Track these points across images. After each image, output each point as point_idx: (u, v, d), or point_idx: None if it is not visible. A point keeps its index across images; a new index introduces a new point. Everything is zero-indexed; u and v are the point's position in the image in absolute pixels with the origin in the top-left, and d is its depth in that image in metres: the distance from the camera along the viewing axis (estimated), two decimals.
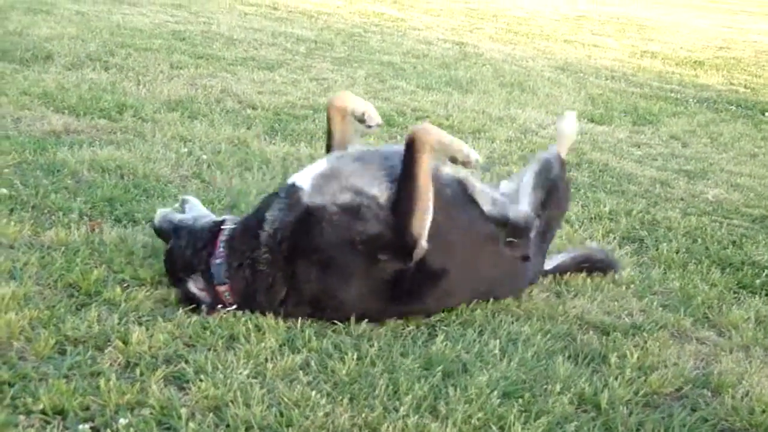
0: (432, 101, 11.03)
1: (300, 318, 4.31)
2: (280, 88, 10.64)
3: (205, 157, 7.11)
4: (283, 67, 11.90)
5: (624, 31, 24.26)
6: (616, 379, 4.15)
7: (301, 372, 3.88)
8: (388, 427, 3.50)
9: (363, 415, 3.58)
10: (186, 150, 7.21)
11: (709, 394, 4.17)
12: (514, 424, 3.62)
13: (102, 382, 3.55)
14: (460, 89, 12.17)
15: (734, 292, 5.54)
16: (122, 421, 3.32)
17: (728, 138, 10.84)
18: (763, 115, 12.76)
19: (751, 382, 4.27)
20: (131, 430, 3.30)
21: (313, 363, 3.99)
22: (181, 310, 4.30)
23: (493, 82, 13.07)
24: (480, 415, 3.70)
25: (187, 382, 3.68)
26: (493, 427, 3.64)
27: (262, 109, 9.27)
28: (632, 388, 4.08)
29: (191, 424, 3.33)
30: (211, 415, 3.44)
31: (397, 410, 3.65)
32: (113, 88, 9.04)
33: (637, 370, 4.33)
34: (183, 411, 3.40)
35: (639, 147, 9.94)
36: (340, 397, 3.68)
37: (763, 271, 5.85)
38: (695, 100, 13.49)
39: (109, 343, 3.92)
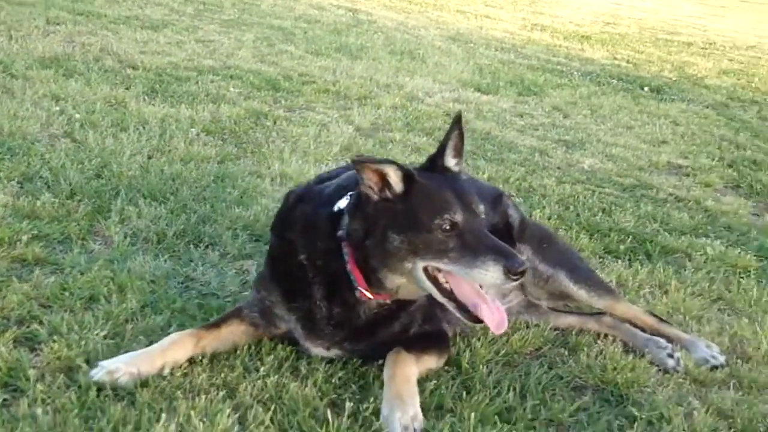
0: (320, 67, 10.97)
1: None
2: (163, 48, 10.40)
3: (78, 116, 6.90)
4: (168, 28, 11.63)
5: (516, 3, 24.63)
6: (479, 340, 4.22)
7: (161, 333, 3.81)
8: (246, 386, 3.48)
9: (222, 374, 3.55)
10: (58, 108, 6.99)
11: (566, 353, 4.29)
12: (374, 383, 3.65)
13: None
14: (349, 56, 12.13)
15: (600, 257, 5.71)
16: None
17: (608, 110, 11.13)
18: (643, 89, 13.14)
19: (606, 341, 4.42)
20: None
21: (175, 324, 3.93)
22: (38, 271, 4.17)
23: (384, 49, 13.08)
24: (341, 374, 3.72)
25: (39, 343, 3.57)
26: (353, 386, 3.66)
27: (144, 70, 9.05)
28: (494, 348, 4.15)
29: (39, 386, 3.23)
30: (62, 376, 3.34)
31: (257, 370, 3.62)
32: None
33: None
34: (32, 372, 3.30)
35: (522, 117, 10.11)
36: (200, 358, 3.63)
37: (628, 237, 6.04)
38: (580, 73, 13.79)
39: None
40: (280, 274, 3.77)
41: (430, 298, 3.62)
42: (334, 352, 3.77)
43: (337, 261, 3.57)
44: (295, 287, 3.70)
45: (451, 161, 3.64)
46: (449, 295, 3.43)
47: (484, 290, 3.48)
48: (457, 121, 3.63)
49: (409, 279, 3.47)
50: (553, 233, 5.04)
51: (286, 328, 3.80)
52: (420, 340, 3.79)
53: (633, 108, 11.58)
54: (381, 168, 3.39)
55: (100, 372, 3.34)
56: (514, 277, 3.26)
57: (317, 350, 3.77)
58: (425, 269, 3.40)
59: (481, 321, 3.42)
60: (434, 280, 3.42)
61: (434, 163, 3.65)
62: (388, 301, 3.65)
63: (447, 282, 3.42)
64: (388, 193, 3.42)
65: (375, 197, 3.43)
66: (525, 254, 4.52)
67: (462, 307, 3.43)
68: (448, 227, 3.34)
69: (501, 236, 4.42)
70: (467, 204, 3.44)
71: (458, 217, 3.36)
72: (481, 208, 3.51)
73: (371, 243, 3.44)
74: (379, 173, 3.40)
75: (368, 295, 3.56)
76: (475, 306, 3.41)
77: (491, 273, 3.26)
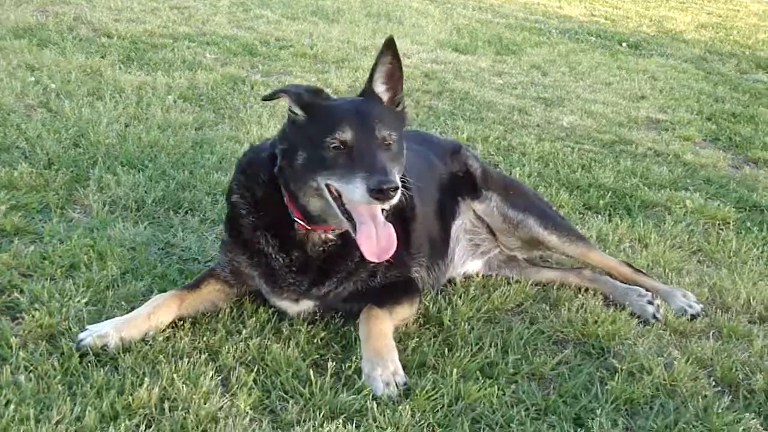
0: (297, 31, 10.89)
1: None
2: (138, 16, 10.29)
3: (53, 86, 6.84)
4: None
5: None
6: (460, 297, 4.25)
7: (142, 298, 3.81)
8: (229, 349, 3.49)
9: (204, 338, 3.56)
10: (33, 79, 6.92)
11: (548, 308, 4.31)
12: (356, 343, 3.66)
13: None
14: (326, 19, 12.04)
15: (580, 213, 5.73)
16: None
17: (586, 67, 11.11)
18: (621, 45, 13.12)
19: (586, 295, 4.44)
20: None
21: (156, 289, 3.93)
22: (17, 240, 4.15)
23: (360, 12, 12.98)
24: (323, 335, 3.73)
25: (21, 312, 3.57)
26: (336, 346, 3.68)
27: (118, 38, 8.96)
28: (475, 305, 4.18)
29: (22, 353, 3.23)
30: (44, 343, 3.34)
31: (239, 333, 3.64)
32: None
33: (481, 288, 4.45)
34: (14, 340, 3.29)
35: (500, 76, 10.09)
36: (182, 322, 3.64)
37: (608, 193, 6.06)
38: (558, 31, 13.76)
39: None
40: (237, 234, 3.80)
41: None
42: (305, 305, 3.80)
43: (273, 194, 3.66)
44: (251, 241, 3.74)
45: (380, 87, 3.66)
46: (347, 214, 3.45)
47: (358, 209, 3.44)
48: (387, 47, 3.61)
49: (324, 202, 3.50)
50: (518, 181, 5.07)
51: (256, 286, 3.85)
52: (390, 291, 3.83)
53: (611, 64, 11.57)
54: (279, 97, 3.57)
55: (90, 336, 3.35)
56: (375, 195, 3.22)
57: (287, 304, 3.80)
58: (329, 188, 3.44)
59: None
60: (337, 199, 3.46)
61: (364, 88, 3.70)
62: (330, 236, 3.69)
63: (350, 202, 3.44)
64: (299, 116, 3.53)
65: (292, 117, 3.56)
66: (493, 202, 4.57)
67: (355, 228, 3.45)
68: (338, 145, 3.39)
69: (463, 185, 4.49)
70: (362, 124, 3.44)
71: (347, 136, 3.39)
72: (384, 132, 3.47)
73: (285, 163, 3.56)
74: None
75: (304, 224, 3.61)
76: (361, 226, 3.41)
77: (358, 190, 3.27)
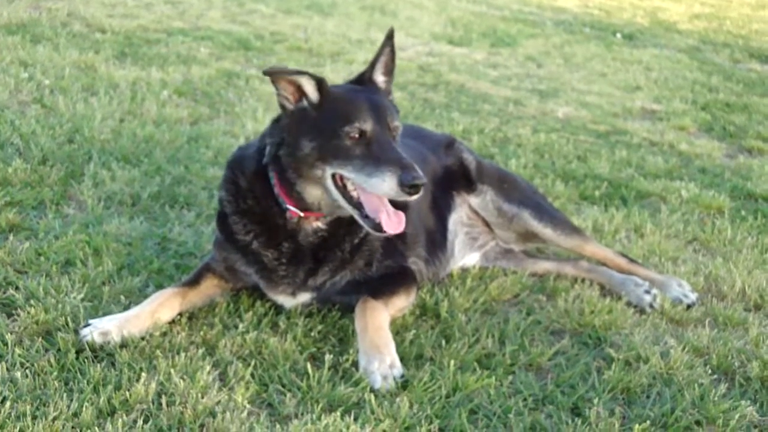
0: (291, 25, 10.89)
1: None
2: (132, 11, 10.29)
3: (47, 82, 6.83)
4: None
5: None
6: (457, 289, 4.25)
7: (139, 294, 3.82)
8: (226, 343, 3.49)
9: (201, 333, 3.56)
10: (26, 75, 6.91)
11: (544, 298, 4.32)
12: (353, 335, 3.66)
13: None
14: (320, 13, 12.04)
15: (576, 203, 5.73)
16: None
17: (581, 58, 11.12)
18: (615, 36, 13.13)
19: (583, 286, 4.45)
20: None
21: (152, 285, 3.93)
22: (12, 237, 4.14)
23: (355, 5, 12.98)
24: (320, 327, 3.73)
25: (17, 308, 3.56)
26: (333, 339, 3.68)
27: (112, 33, 8.96)
28: (472, 297, 4.18)
29: (18, 350, 3.22)
30: (40, 340, 3.33)
31: (236, 327, 3.64)
32: None
33: (477, 279, 4.45)
34: (9, 337, 3.29)
35: (495, 68, 10.09)
36: (179, 317, 3.63)
37: (603, 183, 6.07)
38: (552, 23, 13.77)
39: None
40: (227, 231, 3.79)
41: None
42: (302, 297, 3.79)
43: (263, 184, 3.65)
44: (239, 238, 3.73)
45: (379, 77, 3.69)
46: (356, 203, 3.46)
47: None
48: (389, 38, 3.66)
49: (323, 190, 3.51)
50: (513, 173, 5.06)
51: (252, 282, 3.84)
52: (385, 282, 3.83)
53: (606, 55, 11.57)
54: (295, 78, 3.46)
55: (93, 332, 3.34)
56: (408, 190, 3.26)
57: (284, 299, 3.80)
58: (333, 178, 3.45)
59: (383, 230, 3.44)
60: (342, 189, 3.46)
61: (363, 77, 3.71)
62: (322, 225, 3.68)
63: (355, 190, 3.46)
64: (304, 102, 3.49)
65: (291, 107, 3.51)
66: (488, 196, 4.57)
67: (367, 216, 3.45)
68: (356, 135, 3.39)
69: (457, 179, 4.50)
70: (379, 115, 3.46)
71: (367, 126, 3.40)
72: (396, 123, 3.51)
73: (285, 152, 3.52)
74: (294, 83, 3.47)
75: (297, 212, 3.59)
76: (376, 213, 3.42)
77: (387, 183, 3.29)
